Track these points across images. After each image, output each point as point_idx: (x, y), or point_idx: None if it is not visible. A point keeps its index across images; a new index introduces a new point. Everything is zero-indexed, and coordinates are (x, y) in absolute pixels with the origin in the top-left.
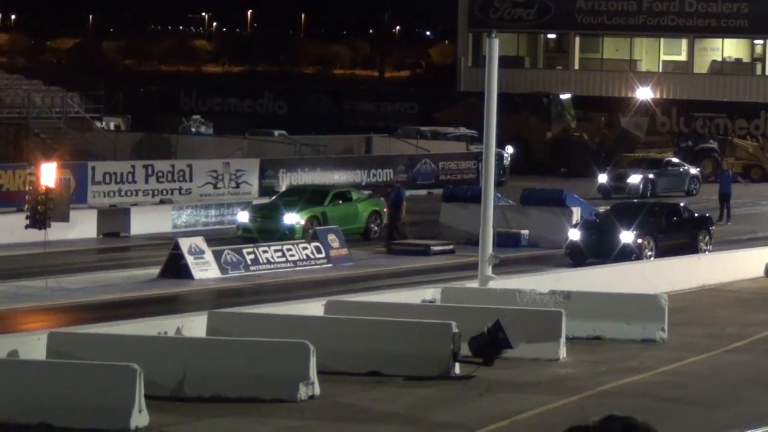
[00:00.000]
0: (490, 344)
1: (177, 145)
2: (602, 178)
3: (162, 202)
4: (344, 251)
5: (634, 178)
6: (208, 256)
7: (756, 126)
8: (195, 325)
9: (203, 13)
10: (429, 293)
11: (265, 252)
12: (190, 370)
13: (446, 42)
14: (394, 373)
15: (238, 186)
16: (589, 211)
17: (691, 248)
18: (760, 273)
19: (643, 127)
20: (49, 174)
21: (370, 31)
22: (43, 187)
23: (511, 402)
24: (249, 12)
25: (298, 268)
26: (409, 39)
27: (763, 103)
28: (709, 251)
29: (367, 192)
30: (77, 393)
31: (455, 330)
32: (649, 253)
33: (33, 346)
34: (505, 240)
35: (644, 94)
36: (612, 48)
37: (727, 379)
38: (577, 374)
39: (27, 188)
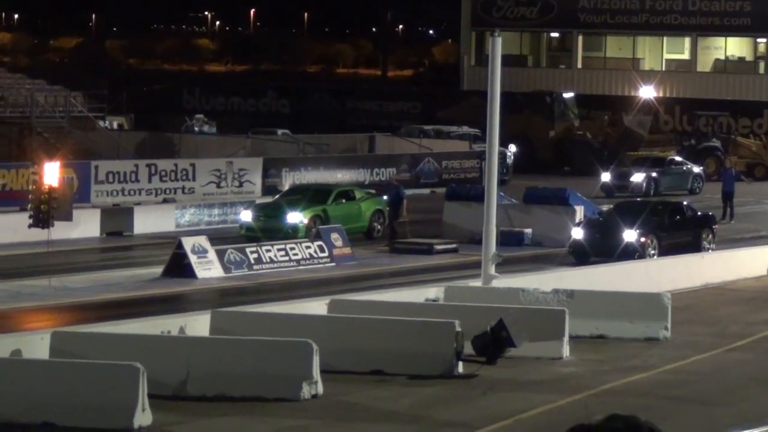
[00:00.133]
0: (494, 343)
1: (180, 144)
2: (605, 176)
3: (165, 201)
4: (347, 250)
5: (637, 177)
6: (211, 255)
7: (759, 124)
8: (198, 324)
9: (206, 12)
10: (432, 292)
11: (268, 251)
12: (194, 369)
13: (449, 41)
14: (398, 372)
15: (241, 185)
16: (592, 209)
17: (694, 247)
18: (763, 271)
19: (646, 126)
20: (52, 173)
21: (373, 29)
22: (47, 187)
23: (515, 401)
24: (252, 11)
25: (301, 267)
26: (412, 38)
27: (766, 101)
28: (712, 250)
29: (370, 191)
30: (80, 392)
31: (458, 329)
32: (652, 252)
33: (36, 345)
34: (508, 239)
35: (647, 92)
36: (615, 47)
37: (730, 377)
38: (580, 373)
39: (30, 187)
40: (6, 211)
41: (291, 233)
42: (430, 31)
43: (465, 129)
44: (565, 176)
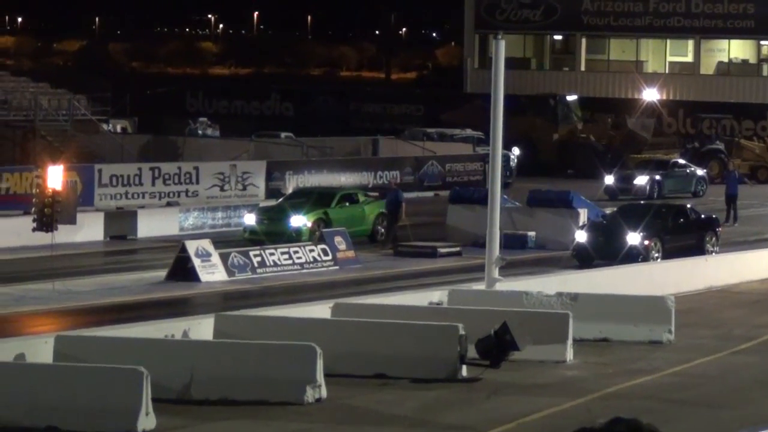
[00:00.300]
0: (497, 346)
1: (184, 148)
2: (609, 179)
3: (169, 204)
4: (351, 253)
5: (641, 180)
6: (215, 258)
7: (763, 127)
8: (202, 328)
9: (210, 15)
10: (436, 295)
11: (271, 254)
12: (197, 373)
13: (453, 43)
14: (401, 376)
15: (244, 188)
16: (595, 212)
17: (698, 249)
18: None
19: (650, 129)
20: (55, 177)
21: (377, 32)
22: (50, 190)
23: (518, 404)
24: (255, 14)
25: (305, 271)
26: (415, 40)
27: None
28: (716, 252)
29: (373, 194)
30: (84, 396)
31: (462, 332)
32: (656, 255)
33: (40, 349)
34: (511, 242)
35: (651, 95)
36: (618, 49)
37: (734, 380)
38: (584, 376)
39: (34, 191)
40: (10, 214)
41: (295, 236)
42: (434, 34)
43: (468, 132)
44: (569, 179)
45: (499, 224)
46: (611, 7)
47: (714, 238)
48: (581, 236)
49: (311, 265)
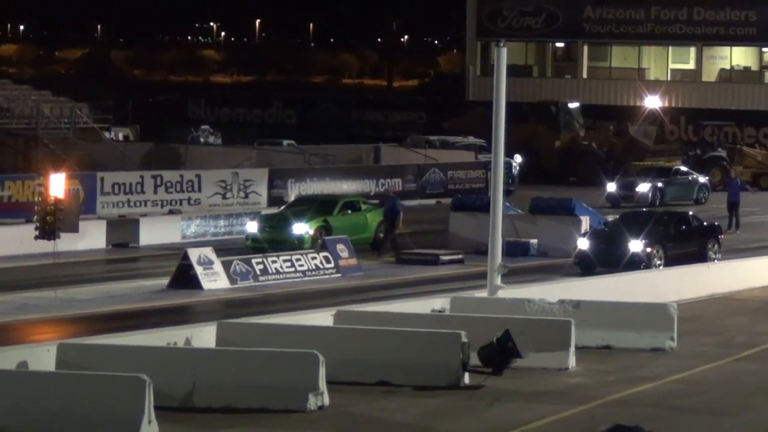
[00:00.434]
0: (500, 354)
1: (186, 155)
2: (611, 186)
3: (171, 212)
4: (353, 261)
5: (643, 187)
6: (217, 266)
7: (765, 134)
8: (204, 336)
9: (212, 23)
10: (438, 303)
11: (274, 262)
12: (200, 381)
13: (455, 51)
14: (404, 383)
15: (247, 196)
16: (598, 219)
17: (700, 257)
18: None
19: (652, 136)
20: (58, 185)
21: (379, 40)
22: (52, 198)
23: (521, 411)
24: (257, 21)
25: (307, 278)
26: (417, 48)
27: None
28: (718, 260)
29: (373, 201)
30: (87, 404)
31: (464, 339)
32: (658, 262)
33: (42, 357)
34: (514, 249)
35: (652, 102)
36: (620, 56)
37: (736, 388)
38: (586, 383)
39: (36, 199)
40: (12, 222)
41: (297, 244)
42: (436, 42)
43: (470, 139)
44: (571, 186)
45: (502, 232)
46: (613, 14)
47: (716, 246)
48: (583, 244)
49: (313, 273)
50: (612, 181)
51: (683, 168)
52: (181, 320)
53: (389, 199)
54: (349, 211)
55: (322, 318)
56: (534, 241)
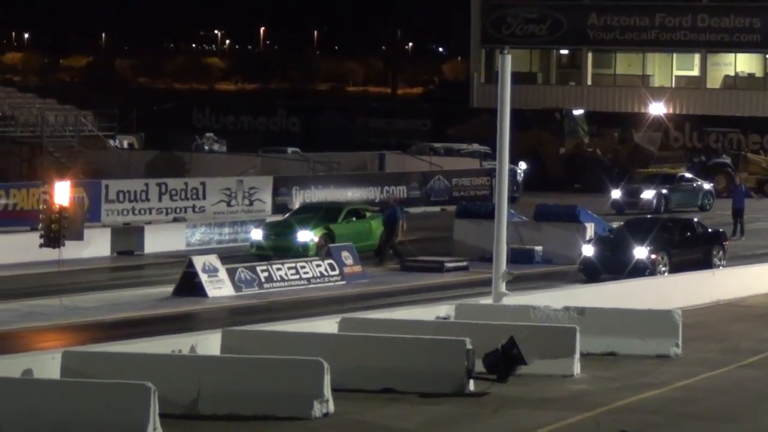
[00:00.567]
0: (504, 361)
1: (190, 163)
2: (615, 193)
3: (176, 220)
4: (358, 268)
5: (648, 194)
6: (222, 274)
7: None
8: (209, 343)
9: (216, 31)
10: (443, 310)
11: (279, 269)
12: (205, 388)
13: (459, 58)
14: (409, 390)
15: (251, 204)
16: (602, 226)
17: (705, 263)
18: None
19: (656, 143)
20: (62, 192)
21: (383, 47)
22: (57, 206)
23: (526, 418)
24: (262, 29)
25: (312, 286)
26: (421, 55)
27: None
28: (723, 266)
29: (373, 208)
30: (92, 412)
31: (469, 347)
32: (663, 269)
33: (47, 365)
34: (518, 256)
35: (657, 109)
36: (624, 63)
37: (741, 394)
38: (591, 390)
39: (41, 207)
40: (17, 230)
41: (301, 252)
42: (440, 49)
43: (475, 146)
44: (576, 193)
45: (506, 239)
46: (617, 21)
47: (721, 252)
48: (588, 250)
49: (318, 280)
50: (617, 187)
51: (688, 175)
52: (185, 328)
53: (389, 206)
54: (354, 219)
55: (327, 325)
56: (539, 248)
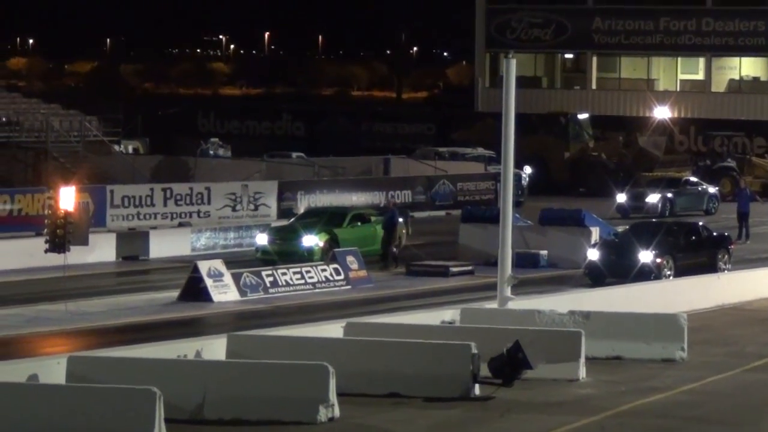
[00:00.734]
0: (510, 365)
1: (195, 168)
2: (621, 197)
3: (181, 225)
4: (363, 273)
5: (653, 198)
6: (227, 278)
7: None
8: (214, 348)
9: (221, 36)
10: (448, 314)
11: (284, 274)
12: (210, 393)
13: (464, 62)
14: (414, 395)
15: (256, 208)
16: (607, 230)
17: (711, 267)
18: None
19: (661, 147)
20: (68, 198)
21: (388, 52)
22: (62, 211)
23: (532, 423)
24: (266, 34)
25: (317, 290)
26: (426, 60)
27: None
28: (729, 270)
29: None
30: (97, 417)
31: (475, 351)
32: (668, 273)
33: (53, 370)
34: (523, 260)
35: (662, 113)
36: (629, 67)
37: (747, 398)
38: (596, 394)
39: (46, 212)
40: (22, 236)
41: (307, 256)
42: (445, 53)
43: (480, 151)
44: (581, 197)
45: (511, 243)
46: (622, 25)
47: (726, 256)
48: (593, 254)
49: (323, 285)
50: (622, 191)
51: (693, 178)
52: (191, 333)
53: (388, 211)
54: (359, 223)
55: (333, 330)
56: (544, 252)
